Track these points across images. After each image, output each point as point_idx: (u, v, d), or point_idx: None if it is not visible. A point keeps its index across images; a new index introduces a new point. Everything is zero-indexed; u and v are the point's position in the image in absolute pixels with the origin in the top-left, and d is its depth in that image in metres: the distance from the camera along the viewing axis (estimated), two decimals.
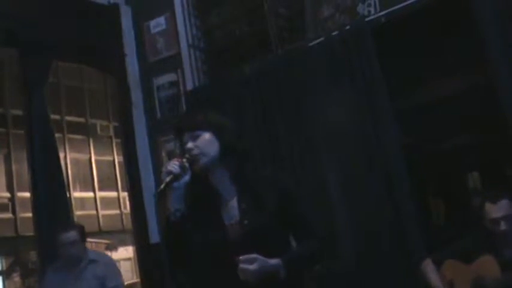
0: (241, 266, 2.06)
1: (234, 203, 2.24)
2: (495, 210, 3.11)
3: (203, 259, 2.20)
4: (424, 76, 4.22)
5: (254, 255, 2.07)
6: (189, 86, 4.93)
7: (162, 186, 2.14)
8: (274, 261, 2.10)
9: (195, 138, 2.23)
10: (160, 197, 2.18)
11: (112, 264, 4.54)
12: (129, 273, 18.73)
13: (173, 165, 2.16)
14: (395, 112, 3.93)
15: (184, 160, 2.19)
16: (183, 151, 2.25)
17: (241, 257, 2.06)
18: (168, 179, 2.14)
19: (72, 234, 4.34)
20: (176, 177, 2.15)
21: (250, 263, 2.06)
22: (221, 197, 2.27)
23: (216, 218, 2.23)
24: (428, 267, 3.27)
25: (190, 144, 2.22)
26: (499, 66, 3.54)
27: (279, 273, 2.11)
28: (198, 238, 2.18)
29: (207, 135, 2.24)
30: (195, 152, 2.21)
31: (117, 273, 4.49)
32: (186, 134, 2.27)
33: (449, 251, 3.27)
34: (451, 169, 4.39)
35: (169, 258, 2.21)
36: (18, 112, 9.91)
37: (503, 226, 3.08)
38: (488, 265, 3.08)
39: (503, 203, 3.10)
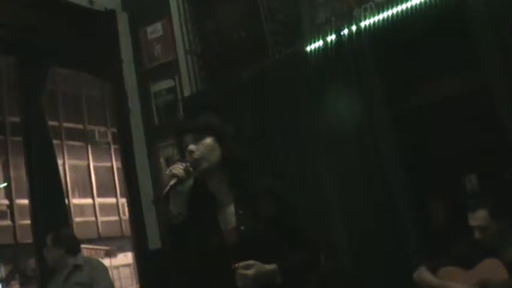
0: (240, 271, 2.07)
1: (231, 208, 2.25)
2: (472, 219, 3.14)
3: (201, 264, 2.20)
4: (422, 79, 4.22)
5: (251, 261, 2.08)
6: (187, 92, 4.93)
7: (167, 189, 2.14)
8: (270, 266, 2.12)
9: (197, 142, 2.23)
10: (164, 200, 2.17)
11: (99, 268, 4.48)
12: (128, 279, 18.73)
13: (178, 169, 2.16)
14: (393, 115, 3.92)
15: (188, 164, 2.18)
16: (183, 153, 2.25)
17: (239, 264, 2.07)
18: (172, 182, 2.14)
19: (47, 239, 4.38)
20: (180, 180, 2.15)
21: (248, 269, 2.07)
22: (218, 202, 2.27)
23: (212, 223, 2.23)
24: (423, 272, 3.24)
25: (192, 147, 2.22)
26: (495, 68, 3.55)
27: (275, 279, 2.12)
28: (195, 243, 2.18)
29: (208, 140, 2.25)
30: (196, 155, 2.21)
31: (105, 277, 4.43)
32: (187, 136, 2.27)
33: (445, 258, 3.25)
34: (450, 171, 4.38)
35: (171, 262, 2.21)
36: (17, 119, 9.92)
37: (477, 235, 3.12)
38: (494, 267, 3.05)
39: (480, 213, 3.11)
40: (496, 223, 3.09)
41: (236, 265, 2.08)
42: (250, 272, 2.07)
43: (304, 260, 2.26)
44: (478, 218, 3.11)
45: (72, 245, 4.44)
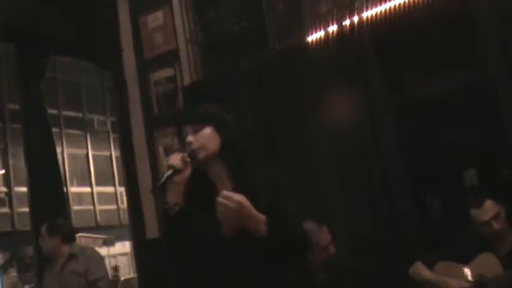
0: (220, 200, 2.00)
1: None
2: (482, 214, 3.09)
3: (199, 255, 2.19)
4: (423, 73, 4.21)
5: (239, 195, 2.01)
6: (187, 82, 4.91)
7: (163, 179, 2.13)
8: (258, 213, 2.05)
9: (195, 132, 2.22)
10: (161, 190, 2.17)
11: (95, 257, 4.51)
12: (126, 268, 18.78)
13: (175, 159, 2.15)
14: (393, 109, 3.92)
15: (186, 155, 2.17)
16: (183, 143, 2.24)
17: (223, 192, 2.00)
18: (169, 172, 2.13)
19: (42, 228, 4.41)
20: (177, 171, 2.14)
21: (231, 201, 2.00)
22: (218, 193, 2.25)
23: (211, 214, 2.21)
24: (419, 267, 3.22)
25: (190, 138, 2.21)
26: (496, 65, 3.54)
27: (259, 228, 2.05)
28: (194, 234, 2.17)
29: (208, 130, 2.23)
30: (195, 145, 2.19)
31: (101, 265, 4.47)
32: (186, 126, 2.26)
33: (441, 253, 3.23)
34: (449, 166, 4.38)
35: (168, 253, 2.20)
36: (16, 106, 9.92)
37: (495, 225, 3.07)
38: (488, 262, 3.04)
39: (488, 204, 3.08)
40: (502, 207, 3.08)
41: (220, 194, 1.97)
42: (232, 204, 1.99)
43: (294, 232, 2.14)
44: (488, 209, 3.07)
45: (67, 234, 4.45)
